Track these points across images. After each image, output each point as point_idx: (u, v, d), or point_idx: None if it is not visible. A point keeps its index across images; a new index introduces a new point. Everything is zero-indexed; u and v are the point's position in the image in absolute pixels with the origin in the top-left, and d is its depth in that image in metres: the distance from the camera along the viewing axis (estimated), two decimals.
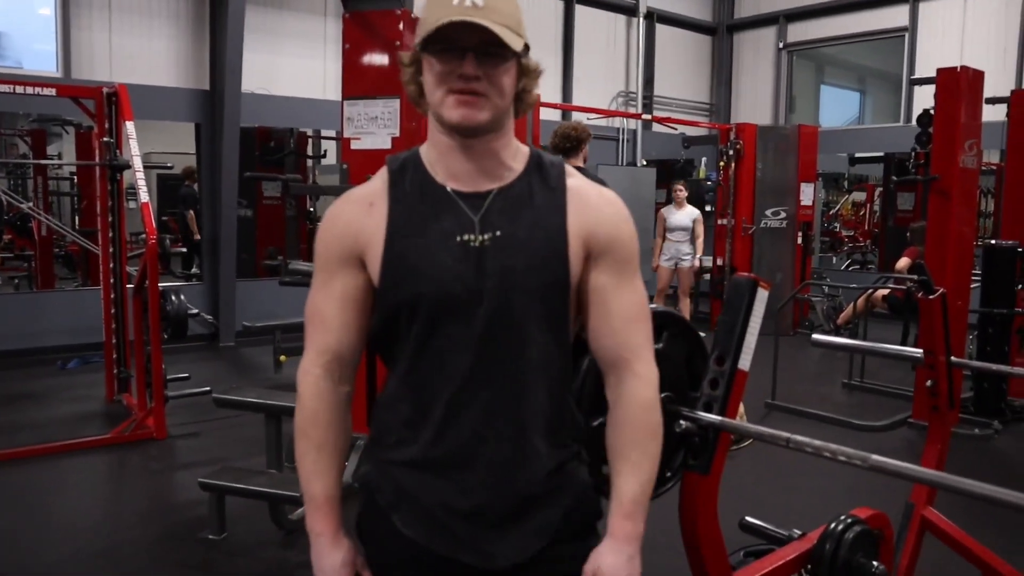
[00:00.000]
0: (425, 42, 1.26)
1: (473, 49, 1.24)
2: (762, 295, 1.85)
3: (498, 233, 1.30)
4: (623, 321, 1.36)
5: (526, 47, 1.29)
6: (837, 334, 8.34)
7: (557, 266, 1.31)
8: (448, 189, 1.33)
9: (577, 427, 1.41)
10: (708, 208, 10.23)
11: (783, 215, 9.13)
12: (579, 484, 1.39)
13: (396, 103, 4.08)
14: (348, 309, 1.36)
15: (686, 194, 8.61)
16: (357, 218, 1.34)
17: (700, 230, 8.49)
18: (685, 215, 8.46)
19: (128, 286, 5.46)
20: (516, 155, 1.37)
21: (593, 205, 1.35)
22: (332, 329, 1.36)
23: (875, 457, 1.52)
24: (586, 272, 1.34)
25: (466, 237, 1.29)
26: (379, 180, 1.37)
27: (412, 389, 1.33)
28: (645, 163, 11.69)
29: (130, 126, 5.31)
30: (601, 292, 1.35)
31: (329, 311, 1.36)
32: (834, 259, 13.22)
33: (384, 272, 1.31)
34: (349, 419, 1.42)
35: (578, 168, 5.21)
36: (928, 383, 2.65)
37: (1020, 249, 5.67)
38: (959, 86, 5.47)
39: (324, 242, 1.37)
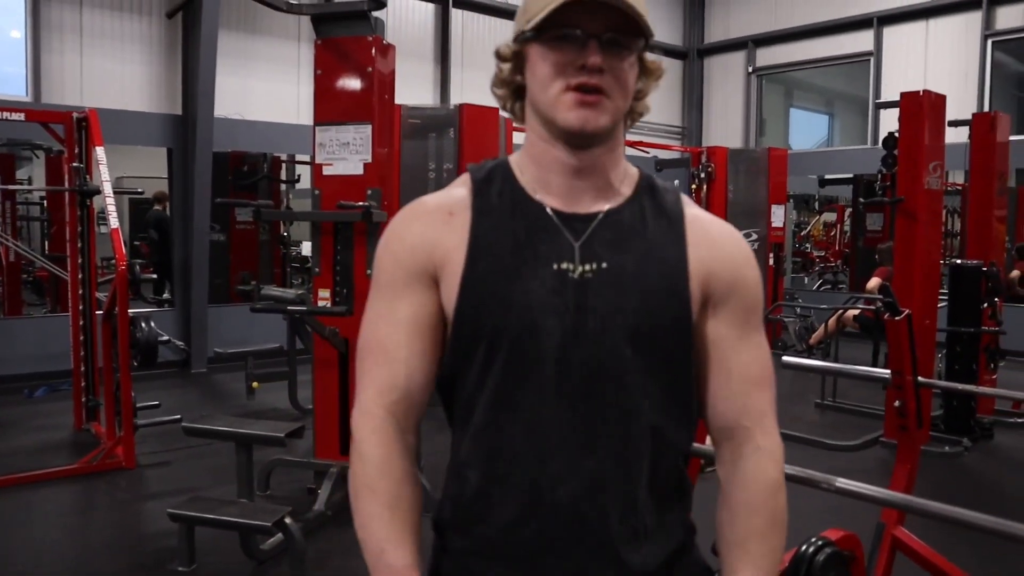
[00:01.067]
0: (539, 27, 1.05)
1: (598, 36, 1.04)
2: None
3: (604, 264, 1.08)
4: (745, 383, 1.14)
5: (648, 40, 1.10)
6: (809, 354, 8.41)
7: (677, 306, 1.10)
8: (546, 207, 1.11)
9: (687, 501, 1.19)
10: None
11: (754, 237, 9.23)
12: (696, 568, 1.19)
13: (368, 129, 4.09)
14: (418, 338, 1.11)
15: None
16: (433, 229, 1.12)
17: None
18: None
19: (97, 312, 5.40)
20: (625, 176, 1.16)
21: (716, 240, 1.14)
22: (398, 361, 1.11)
23: (840, 481, 1.54)
24: (702, 319, 1.13)
25: (564, 266, 1.08)
26: (461, 188, 1.15)
27: (487, 451, 1.10)
28: None
29: (100, 151, 5.27)
30: (719, 346, 1.13)
31: (394, 340, 1.11)
32: (806, 279, 13.37)
33: (462, 296, 1.08)
34: (418, 476, 1.15)
35: None
36: (896, 403, 2.69)
37: (984, 268, 5.77)
38: (922, 110, 5.58)
39: (391, 255, 1.13)
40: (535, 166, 1.13)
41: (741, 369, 1.14)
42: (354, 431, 1.13)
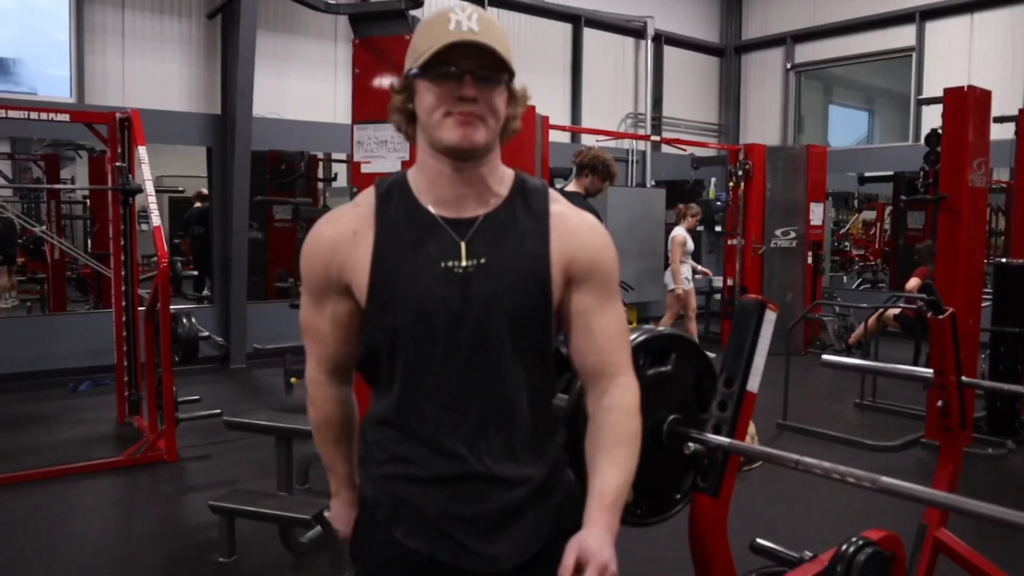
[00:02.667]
0: (424, 66, 1.29)
1: (472, 72, 1.29)
2: (770, 317, 1.85)
3: (483, 260, 1.34)
4: (606, 339, 1.42)
5: (512, 74, 1.35)
6: (848, 354, 8.30)
7: (538, 293, 1.36)
8: (435, 214, 1.36)
9: (556, 434, 1.50)
10: (718, 228, 10.22)
11: (793, 235, 9.12)
12: (567, 484, 1.47)
13: None
14: (339, 328, 1.43)
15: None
16: (342, 247, 1.38)
17: (673, 249, 8.52)
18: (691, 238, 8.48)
19: (140, 308, 5.50)
20: (502, 180, 1.41)
21: (575, 231, 1.41)
22: (328, 344, 1.45)
23: (884, 479, 1.52)
24: (568, 295, 1.40)
25: (451, 263, 1.33)
26: (365, 204, 1.40)
27: (401, 412, 1.38)
28: (654, 184, 11.71)
29: (142, 150, 5.37)
30: (584, 314, 1.41)
31: (323, 329, 1.44)
32: (845, 278, 13.18)
33: (370, 298, 1.35)
34: (355, 408, 1.56)
35: (573, 193, 5.28)
36: (939, 403, 2.64)
37: None
38: (966, 105, 5.48)
39: (310, 266, 1.41)
40: (425, 179, 1.38)
41: (603, 329, 1.42)
42: (308, 388, 1.52)
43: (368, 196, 1.41)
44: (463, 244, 1.34)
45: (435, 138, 1.32)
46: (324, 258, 1.39)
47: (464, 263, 1.33)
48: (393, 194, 1.39)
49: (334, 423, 1.53)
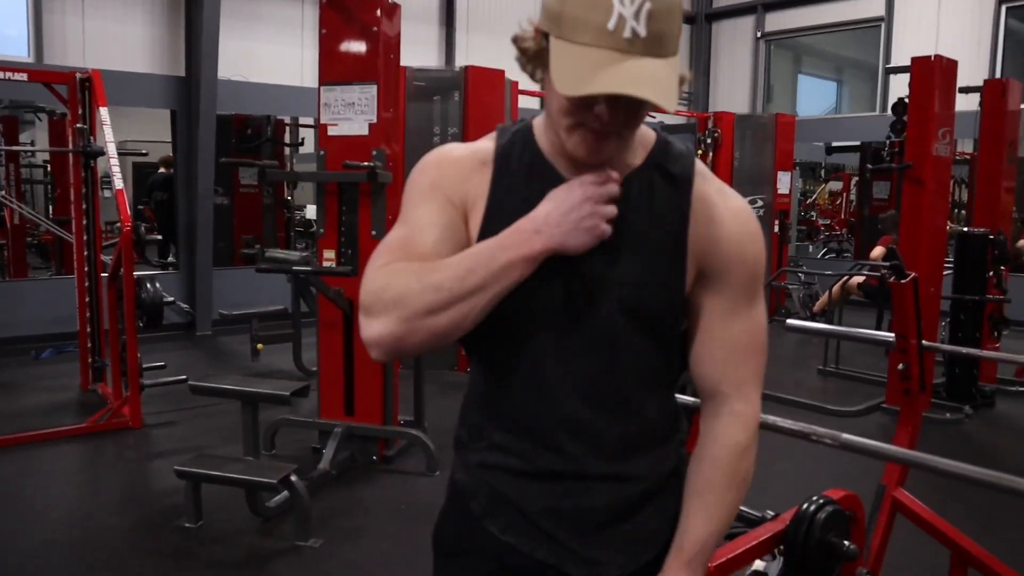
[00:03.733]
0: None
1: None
2: None
3: (605, 239, 1.11)
4: (730, 353, 1.21)
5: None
6: (813, 321, 8.42)
7: (671, 280, 1.16)
8: (557, 170, 1.16)
9: (679, 430, 1.30)
10: None
11: (760, 203, 9.19)
12: (679, 484, 1.28)
13: (373, 89, 4.06)
14: (447, 243, 1.13)
15: None
16: (467, 173, 1.18)
17: None
18: None
19: (103, 275, 5.41)
20: (640, 143, 1.18)
21: (719, 217, 1.17)
22: (424, 256, 1.11)
23: (845, 436, 1.55)
24: (699, 290, 1.19)
25: None
26: (487, 146, 1.21)
27: (508, 395, 1.21)
28: None
29: (104, 112, 5.25)
30: (710, 316, 1.20)
31: (423, 239, 1.13)
32: (811, 248, 13.34)
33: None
34: None
35: None
36: (900, 366, 2.69)
37: (991, 237, 5.74)
38: (933, 75, 5.52)
39: (427, 178, 1.18)
40: (555, 137, 1.13)
41: (729, 339, 1.20)
42: (375, 275, 1.11)
43: (488, 140, 1.22)
44: None
45: (559, 135, 1.10)
46: (449, 174, 1.17)
47: None
48: (516, 144, 1.19)
49: (428, 261, 1.10)
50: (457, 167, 1.18)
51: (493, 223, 1.13)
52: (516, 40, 1.11)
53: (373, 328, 1.08)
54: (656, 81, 0.99)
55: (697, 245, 1.16)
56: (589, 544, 1.20)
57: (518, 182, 1.16)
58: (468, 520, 1.26)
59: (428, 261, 1.10)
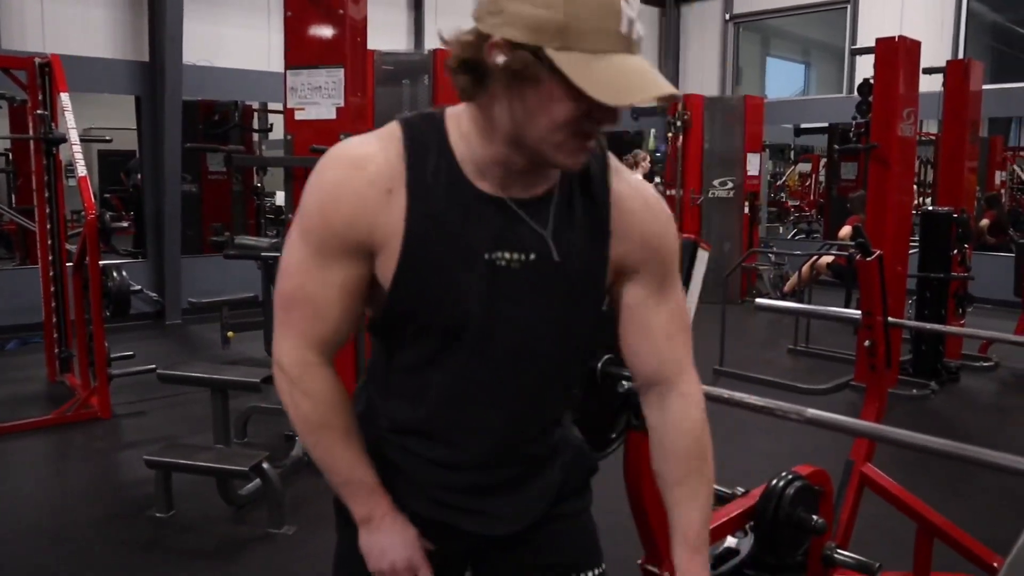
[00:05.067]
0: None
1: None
2: (702, 255, 1.88)
3: (532, 256, 1.12)
4: (664, 338, 1.24)
5: None
6: (783, 301, 8.51)
7: (595, 293, 1.20)
8: (480, 191, 1.11)
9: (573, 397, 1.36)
10: (657, 180, 10.30)
11: (730, 185, 9.25)
12: (575, 442, 1.35)
13: (340, 72, 4.02)
14: (349, 299, 1.15)
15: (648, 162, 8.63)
16: (374, 206, 1.09)
17: None
18: None
19: (68, 264, 5.33)
20: None
21: (636, 213, 1.19)
22: (330, 319, 1.15)
23: (811, 411, 1.57)
24: (619, 285, 1.22)
25: (497, 255, 1.11)
26: (394, 154, 1.10)
27: (415, 387, 1.21)
28: None
29: (65, 98, 5.15)
30: (639, 308, 1.22)
31: (325, 298, 1.14)
32: (781, 229, 13.46)
33: (396, 285, 1.12)
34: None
35: None
36: (867, 343, 2.73)
37: (955, 215, 5.83)
38: (897, 56, 5.58)
39: (325, 219, 1.11)
40: (483, 152, 1.10)
41: (661, 325, 1.23)
42: (291, 373, 1.17)
43: (394, 141, 1.11)
44: (508, 233, 1.12)
45: (539, 151, 1.05)
46: (350, 211, 1.09)
47: (511, 256, 1.12)
48: (429, 151, 1.11)
49: (341, 412, 1.19)
50: (360, 203, 1.09)
51: (413, 255, 1.10)
52: (465, 51, 1.04)
53: (278, 358, 1.18)
54: (659, 75, 1.01)
55: (618, 243, 1.17)
56: (486, 505, 1.25)
57: (437, 203, 1.10)
58: None
59: (329, 324, 1.15)
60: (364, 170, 1.10)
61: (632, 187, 1.20)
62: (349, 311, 1.16)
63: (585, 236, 1.15)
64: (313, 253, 1.12)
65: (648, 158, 8.65)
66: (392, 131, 1.13)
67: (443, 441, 1.21)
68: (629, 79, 0.98)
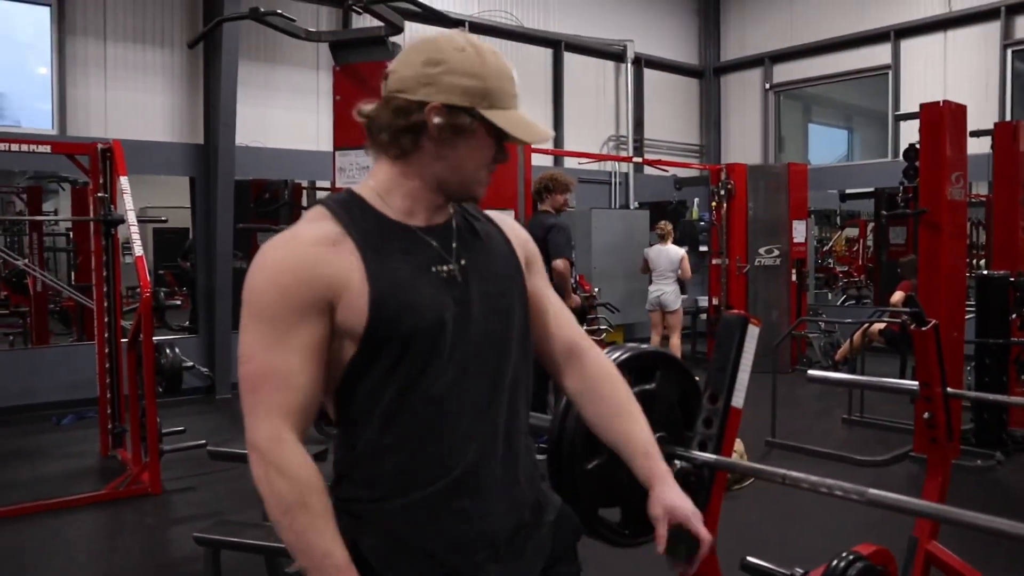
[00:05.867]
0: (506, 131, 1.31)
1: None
2: (752, 331, 1.85)
3: (463, 262, 1.34)
4: (565, 317, 1.51)
5: None
6: (836, 370, 8.31)
7: (520, 283, 1.41)
8: (407, 224, 1.33)
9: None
10: (703, 248, 10.27)
11: (776, 253, 9.17)
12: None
13: None
14: (313, 363, 1.23)
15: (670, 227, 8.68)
16: (325, 259, 1.23)
17: (687, 267, 8.51)
18: (673, 253, 8.48)
19: (123, 340, 5.45)
20: None
21: (511, 225, 1.50)
22: (298, 388, 1.22)
23: (872, 491, 1.51)
24: (528, 282, 1.46)
25: (441, 268, 1.32)
26: (327, 224, 1.27)
27: (401, 435, 1.27)
28: (638, 205, 11.76)
29: (124, 181, 5.35)
30: (542, 297, 1.49)
31: (288, 367, 1.21)
32: (830, 295, 13.25)
33: (376, 310, 1.23)
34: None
35: (544, 212, 5.64)
36: (926, 415, 2.65)
37: (1012, 279, 5.69)
38: (943, 120, 5.54)
39: (279, 288, 1.21)
40: (406, 199, 1.33)
41: (559, 307, 1.52)
42: (265, 452, 1.21)
43: (320, 214, 1.29)
44: (443, 249, 1.33)
45: (463, 189, 1.34)
46: (303, 271, 1.21)
47: (452, 266, 1.32)
48: (354, 211, 1.30)
49: (316, 492, 1.21)
50: (310, 260, 1.23)
51: (382, 280, 1.24)
52: (400, 118, 1.29)
53: (251, 440, 1.23)
54: (542, 122, 1.43)
55: (518, 248, 1.45)
56: (492, 571, 1.31)
57: (381, 240, 1.28)
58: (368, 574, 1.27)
59: (299, 394, 1.22)
60: (304, 238, 1.26)
61: (496, 212, 1.50)
62: (313, 377, 1.24)
63: (491, 240, 1.41)
64: (269, 330, 1.21)
65: (670, 226, 8.71)
66: (315, 212, 1.31)
67: (450, 470, 1.28)
68: (531, 125, 1.33)
